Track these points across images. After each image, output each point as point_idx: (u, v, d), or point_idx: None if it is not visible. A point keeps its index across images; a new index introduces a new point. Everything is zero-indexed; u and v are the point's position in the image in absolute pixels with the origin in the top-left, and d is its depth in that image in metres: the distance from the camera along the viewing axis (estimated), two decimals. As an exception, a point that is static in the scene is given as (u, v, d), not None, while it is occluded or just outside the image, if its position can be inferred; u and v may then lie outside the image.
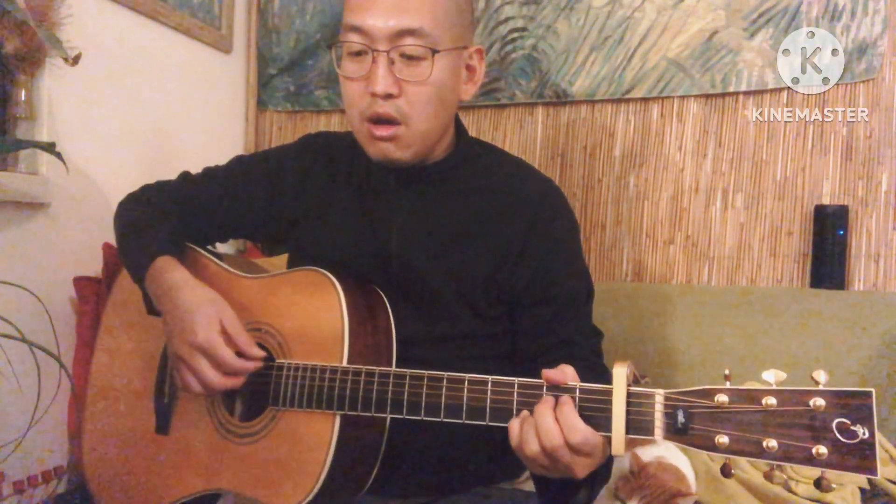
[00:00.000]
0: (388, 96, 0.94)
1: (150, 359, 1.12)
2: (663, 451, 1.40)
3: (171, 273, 1.02)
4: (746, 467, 1.45)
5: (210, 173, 1.19)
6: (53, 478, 1.37)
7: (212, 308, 0.96)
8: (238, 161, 1.20)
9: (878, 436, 1.52)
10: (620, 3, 1.87)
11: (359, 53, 0.96)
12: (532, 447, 0.76)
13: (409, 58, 0.94)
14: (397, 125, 0.96)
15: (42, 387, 1.16)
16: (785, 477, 0.70)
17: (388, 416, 0.92)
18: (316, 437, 0.92)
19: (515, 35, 1.96)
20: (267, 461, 0.96)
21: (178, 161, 1.86)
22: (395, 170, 1.03)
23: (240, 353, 0.95)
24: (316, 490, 0.90)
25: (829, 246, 1.71)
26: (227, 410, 1.03)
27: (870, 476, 0.65)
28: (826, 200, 1.76)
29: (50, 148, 1.31)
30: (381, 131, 0.96)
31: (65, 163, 1.29)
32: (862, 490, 1.40)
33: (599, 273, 1.94)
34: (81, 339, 1.50)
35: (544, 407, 0.77)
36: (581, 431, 0.75)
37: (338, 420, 0.91)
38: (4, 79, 1.42)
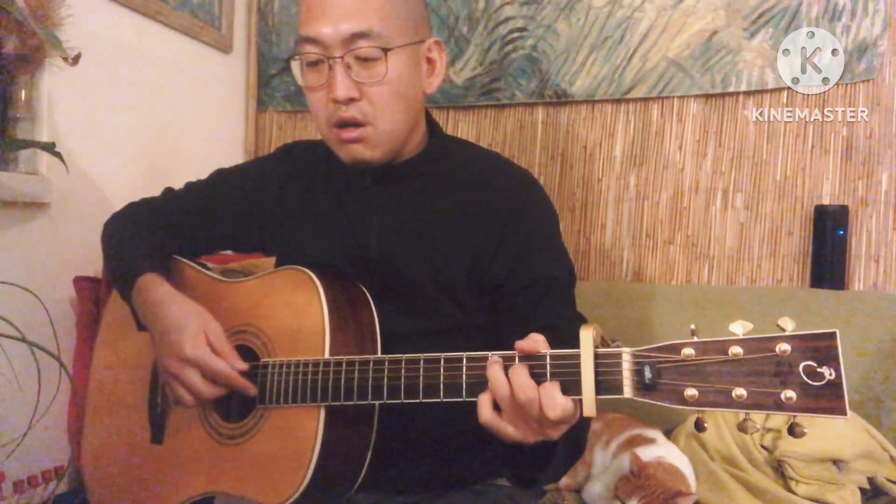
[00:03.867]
0: (350, 100, 0.96)
1: (143, 371, 1.13)
2: (663, 451, 1.40)
3: (155, 289, 1.04)
4: (747, 467, 1.45)
5: (191, 188, 1.22)
6: (53, 478, 1.38)
7: (196, 321, 0.98)
8: (218, 174, 1.22)
9: (876, 433, 1.52)
10: (620, 3, 1.87)
11: (316, 63, 0.98)
12: (484, 411, 0.79)
13: (364, 60, 0.96)
14: (363, 126, 0.98)
15: (42, 387, 1.16)
16: (759, 426, 0.70)
17: (375, 406, 0.93)
18: (302, 432, 0.92)
19: (515, 35, 1.96)
20: (257, 459, 0.96)
21: (178, 161, 1.86)
22: (369, 169, 1.04)
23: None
24: (305, 484, 0.90)
25: (829, 246, 1.71)
26: (217, 414, 1.04)
27: (839, 417, 0.66)
28: (826, 200, 1.76)
29: (50, 148, 1.31)
30: (348, 133, 0.98)
31: (65, 163, 1.29)
32: (862, 490, 1.41)
33: (599, 273, 1.95)
34: (81, 339, 1.50)
35: (494, 366, 0.79)
36: (526, 388, 0.76)
37: (322, 412, 0.92)
38: (4, 79, 1.42)
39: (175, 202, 1.20)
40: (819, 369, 0.66)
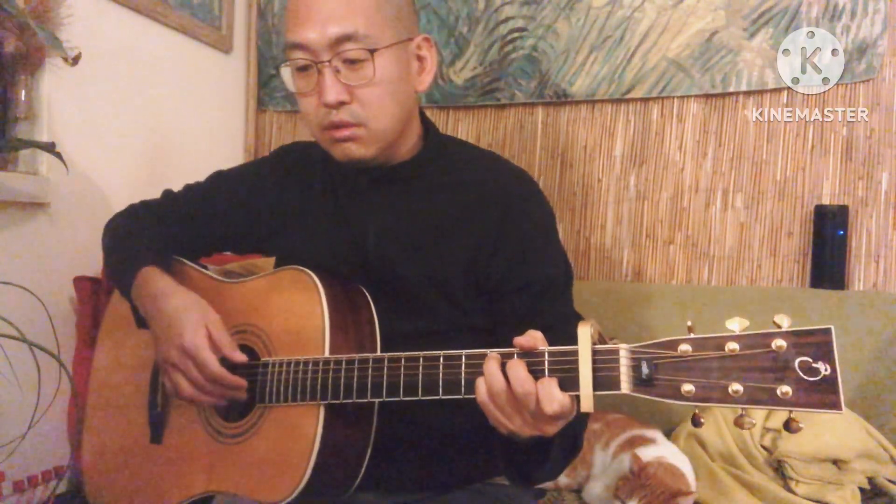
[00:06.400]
0: (341, 104, 0.96)
1: (143, 371, 1.13)
2: (663, 451, 1.40)
3: (155, 282, 1.04)
4: (747, 467, 1.45)
5: (190, 190, 1.22)
6: (53, 478, 1.38)
7: (197, 313, 0.99)
8: (217, 176, 1.22)
9: (876, 432, 1.52)
10: (620, 3, 1.87)
11: (305, 68, 0.98)
12: (480, 392, 0.80)
13: (352, 62, 0.96)
14: (355, 126, 0.98)
15: (42, 387, 1.16)
16: (754, 422, 0.71)
17: (375, 405, 0.94)
18: (301, 430, 0.93)
19: (515, 35, 1.96)
20: (256, 458, 0.96)
21: (178, 161, 1.86)
22: (366, 170, 1.04)
23: (223, 358, 0.97)
24: (304, 483, 0.90)
25: (829, 246, 1.71)
26: (217, 413, 1.04)
27: (834, 412, 0.66)
28: (826, 200, 1.76)
29: (50, 148, 1.31)
30: (340, 132, 0.98)
31: (65, 163, 1.30)
32: (862, 490, 1.41)
33: (599, 273, 1.95)
34: (81, 339, 1.50)
35: (490, 361, 0.80)
36: (524, 382, 0.77)
37: (322, 411, 0.92)
38: (4, 79, 1.42)
39: (174, 204, 1.21)
40: (814, 364, 0.67)
